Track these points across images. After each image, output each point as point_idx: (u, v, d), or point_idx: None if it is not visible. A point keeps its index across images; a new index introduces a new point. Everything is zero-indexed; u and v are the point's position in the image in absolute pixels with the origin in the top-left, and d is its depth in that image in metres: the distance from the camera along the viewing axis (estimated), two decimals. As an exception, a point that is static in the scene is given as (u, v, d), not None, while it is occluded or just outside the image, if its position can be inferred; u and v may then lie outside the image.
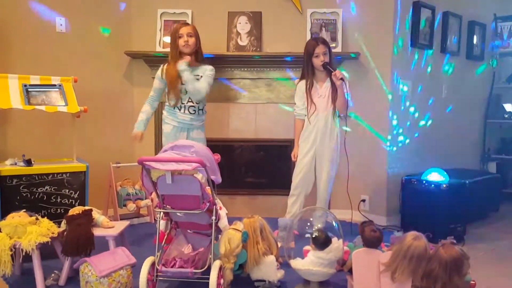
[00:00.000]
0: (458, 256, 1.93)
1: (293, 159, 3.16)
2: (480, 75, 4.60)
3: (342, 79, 2.90)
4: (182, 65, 2.99)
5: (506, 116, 4.83)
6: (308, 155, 3.06)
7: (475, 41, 4.41)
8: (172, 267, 2.19)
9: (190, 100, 3.06)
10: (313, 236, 2.27)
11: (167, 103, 3.12)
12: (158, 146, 3.82)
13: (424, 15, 3.77)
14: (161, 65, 3.13)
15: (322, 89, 3.03)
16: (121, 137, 3.85)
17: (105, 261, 2.21)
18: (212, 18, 3.78)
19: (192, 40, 3.03)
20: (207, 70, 3.11)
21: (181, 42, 3.02)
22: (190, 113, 3.08)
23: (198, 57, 3.12)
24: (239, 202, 3.90)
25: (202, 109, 3.15)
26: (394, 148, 3.70)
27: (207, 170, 2.12)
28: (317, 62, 2.98)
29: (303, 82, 3.07)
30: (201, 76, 3.09)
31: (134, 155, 3.81)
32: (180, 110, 3.07)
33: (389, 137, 3.65)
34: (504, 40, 4.74)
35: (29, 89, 2.94)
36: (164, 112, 3.14)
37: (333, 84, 2.97)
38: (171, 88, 3.04)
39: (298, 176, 3.08)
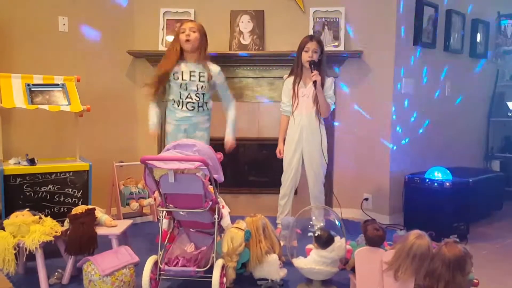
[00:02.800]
0: (461, 254, 1.92)
1: (278, 156, 3.19)
2: (484, 73, 4.59)
3: (314, 82, 2.92)
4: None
5: (510, 114, 4.81)
6: (295, 157, 3.11)
7: (478, 39, 4.39)
8: (175, 266, 2.20)
9: (189, 96, 3.02)
10: (316, 234, 2.27)
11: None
12: (161, 145, 3.83)
13: (427, 13, 3.76)
14: None
15: (307, 88, 3.06)
16: (124, 136, 3.86)
17: (108, 260, 2.21)
18: (215, 17, 3.78)
19: (194, 36, 2.93)
20: (218, 76, 3.08)
21: (182, 36, 2.94)
22: (188, 109, 3.04)
23: (202, 55, 3.03)
24: (242, 201, 3.90)
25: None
26: (397, 147, 3.70)
27: (210, 169, 2.12)
28: (305, 56, 3.01)
29: (291, 78, 3.11)
30: (203, 75, 3.02)
31: (137, 154, 3.81)
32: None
33: (392, 136, 3.64)
34: (508, 38, 4.72)
35: (32, 89, 2.95)
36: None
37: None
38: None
39: (288, 179, 3.14)
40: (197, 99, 3.02)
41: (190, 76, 2.99)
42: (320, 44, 3.04)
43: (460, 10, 4.10)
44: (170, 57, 2.98)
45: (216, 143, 3.06)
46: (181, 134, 3.03)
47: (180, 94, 3.00)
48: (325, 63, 3.12)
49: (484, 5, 4.46)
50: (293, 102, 3.08)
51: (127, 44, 3.77)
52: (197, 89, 3.00)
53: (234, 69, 3.78)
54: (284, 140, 3.20)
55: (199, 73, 3.01)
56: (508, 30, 4.71)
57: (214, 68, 3.08)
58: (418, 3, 3.69)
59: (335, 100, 3.16)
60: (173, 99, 3.03)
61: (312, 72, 2.95)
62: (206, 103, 3.08)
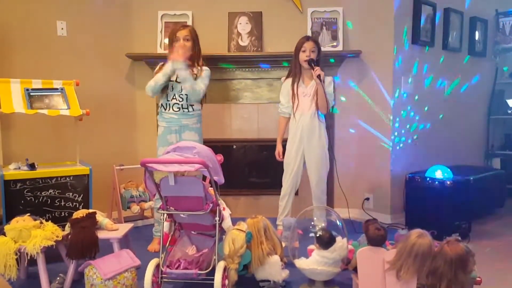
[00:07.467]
0: (463, 253, 1.92)
1: (278, 158, 3.18)
2: (483, 71, 4.58)
3: (318, 76, 2.90)
4: (178, 64, 2.89)
5: (510, 111, 4.81)
6: (297, 157, 3.09)
7: (477, 37, 4.39)
8: (176, 268, 2.20)
9: (174, 97, 3.00)
10: (317, 235, 2.26)
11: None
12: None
13: (425, 12, 3.76)
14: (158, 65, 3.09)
15: (308, 88, 3.05)
16: (124, 139, 3.86)
17: (110, 264, 2.21)
18: (213, 19, 3.78)
19: (188, 45, 2.98)
20: (202, 70, 3.04)
21: (176, 45, 2.97)
22: (174, 111, 3.00)
23: (194, 60, 3.03)
24: (243, 202, 3.90)
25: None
26: (397, 146, 3.69)
27: (210, 171, 2.11)
28: (303, 56, 3.01)
29: (289, 80, 3.10)
30: (196, 75, 3.01)
31: (137, 157, 3.81)
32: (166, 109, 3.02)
33: (392, 135, 3.64)
34: (506, 36, 4.72)
35: (31, 93, 2.95)
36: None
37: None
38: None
39: (289, 180, 3.12)
40: (181, 99, 2.99)
41: (177, 77, 2.98)
42: (317, 44, 3.04)
43: (458, 9, 4.10)
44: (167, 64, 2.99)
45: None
46: (172, 135, 3.01)
47: (167, 96, 3.00)
48: (322, 63, 3.11)
49: (482, 3, 4.46)
50: (293, 102, 3.08)
51: (125, 47, 3.77)
52: (181, 89, 2.98)
53: (232, 71, 3.78)
54: (283, 141, 3.19)
55: (193, 74, 2.99)
56: (506, 27, 4.71)
57: (204, 68, 3.06)
58: (416, 2, 3.69)
59: (333, 97, 3.15)
60: (161, 104, 3.04)
61: (313, 70, 2.94)
62: (191, 105, 3.03)
